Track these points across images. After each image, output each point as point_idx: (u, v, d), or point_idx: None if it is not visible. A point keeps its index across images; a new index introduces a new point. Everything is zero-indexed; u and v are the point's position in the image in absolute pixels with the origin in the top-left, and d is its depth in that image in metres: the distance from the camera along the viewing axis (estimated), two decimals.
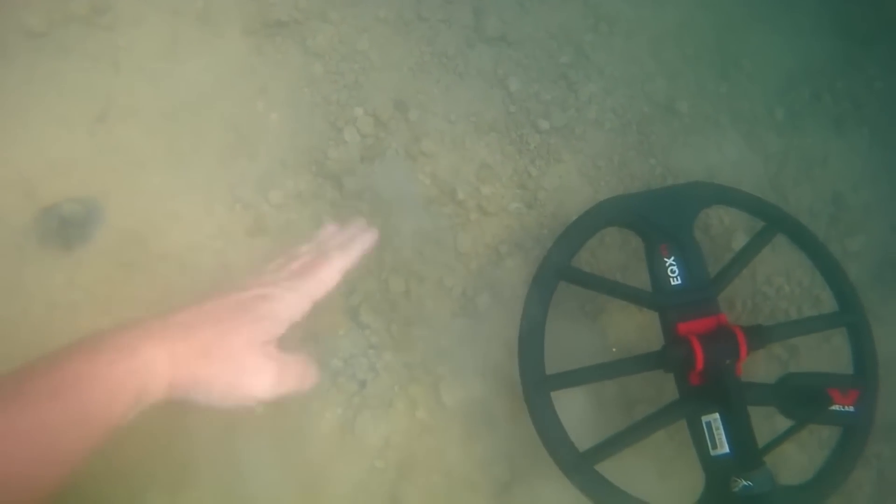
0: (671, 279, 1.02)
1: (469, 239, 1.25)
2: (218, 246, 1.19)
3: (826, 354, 1.36)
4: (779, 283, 1.38)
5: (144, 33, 1.29)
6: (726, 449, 0.94)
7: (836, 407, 0.97)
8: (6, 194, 1.15)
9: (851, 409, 0.98)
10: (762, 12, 1.59)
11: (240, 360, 0.61)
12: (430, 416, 1.16)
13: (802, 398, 0.97)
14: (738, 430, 0.93)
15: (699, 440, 0.96)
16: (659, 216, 1.05)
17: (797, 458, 1.22)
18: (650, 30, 1.50)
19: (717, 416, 0.95)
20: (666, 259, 1.02)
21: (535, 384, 0.96)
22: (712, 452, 0.94)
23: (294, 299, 0.66)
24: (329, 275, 0.69)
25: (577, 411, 1.07)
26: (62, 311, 1.12)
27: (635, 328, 1.26)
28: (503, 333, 1.20)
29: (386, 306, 1.20)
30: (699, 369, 0.93)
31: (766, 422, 1.04)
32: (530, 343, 0.98)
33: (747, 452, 0.92)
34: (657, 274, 1.02)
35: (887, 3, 1.60)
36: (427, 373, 1.18)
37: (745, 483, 0.89)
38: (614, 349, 1.08)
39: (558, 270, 1.02)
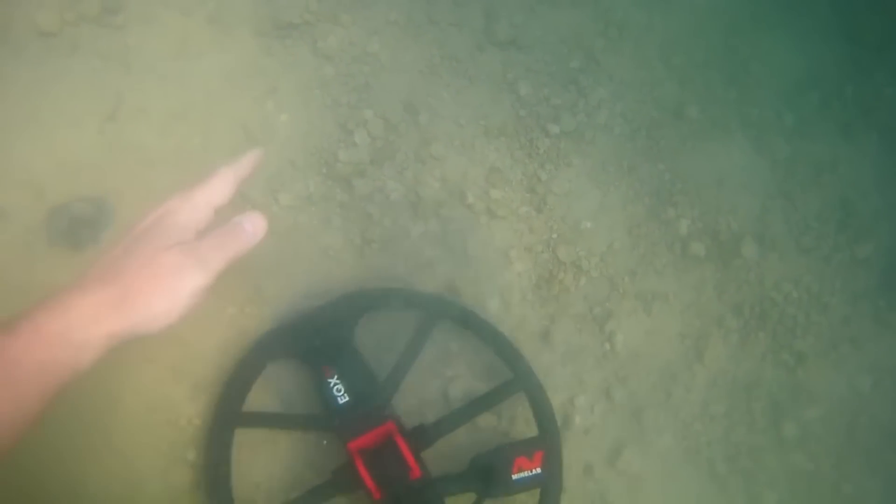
0: (338, 398, 1.01)
1: (478, 243, 1.25)
2: None
3: None
4: (787, 289, 1.38)
5: (155, 33, 1.29)
6: None
7: (524, 472, 0.98)
8: (15, 193, 1.15)
9: (539, 470, 0.99)
10: (771, 17, 1.59)
11: (162, 275, 0.62)
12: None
13: (492, 475, 0.98)
14: None
15: None
16: (313, 340, 1.05)
17: None
18: (660, 35, 1.50)
19: None
20: (330, 380, 1.02)
21: None
22: None
23: (188, 207, 0.69)
24: (218, 182, 0.72)
25: None
26: None
27: None
28: (511, 337, 1.19)
29: None
30: (371, 486, 0.93)
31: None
32: (218, 497, 0.98)
33: None
34: (325, 396, 1.02)
35: None
36: (435, 375, 1.17)
37: None
38: None
39: (232, 419, 1.03)
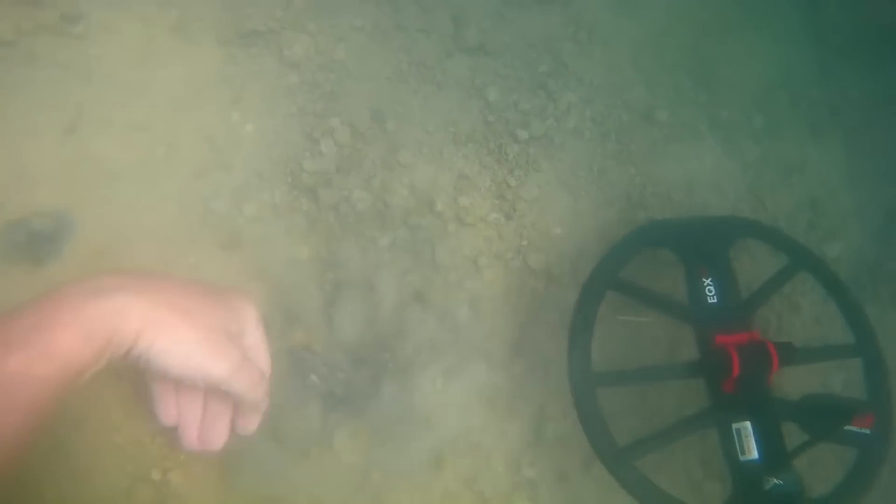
0: (708, 297, 1.12)
1: (447, 251, 1.24)
2: (191, 260, 1.17)
3: None
4: None
5: (116, 43, 1.26)
6: (755, 455, 1.00)
7: (854, 428, 1.03)
8: None
9: (867, 431, 1.04)
10: (740, 21, 1.61)
11: (209, 334, 0.61)
12: None
13: (822, 416, 1.03)
14: (770, 434, 1.01)
15: (728, 446, 1.03)
16: (701, 241, 1.18)
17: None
18: (629, 38, 1.50)
19: (747, 424, 1.02)
20: (704, 280, 1.13)
21: (582, 382, 1.04)
22: (741, 458, 1.01)
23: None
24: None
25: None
26: None
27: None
28: (483, 346, 1.19)
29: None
30: (734, 377, 1.02)
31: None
32: (580, 343, 1.06)
33: (778, 454, 1.00)
34: (696, 292, 1.13)
35: (861, 14, 1.62)
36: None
37: (776, 482, 0.96)
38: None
39: (609, 280, 1.11)
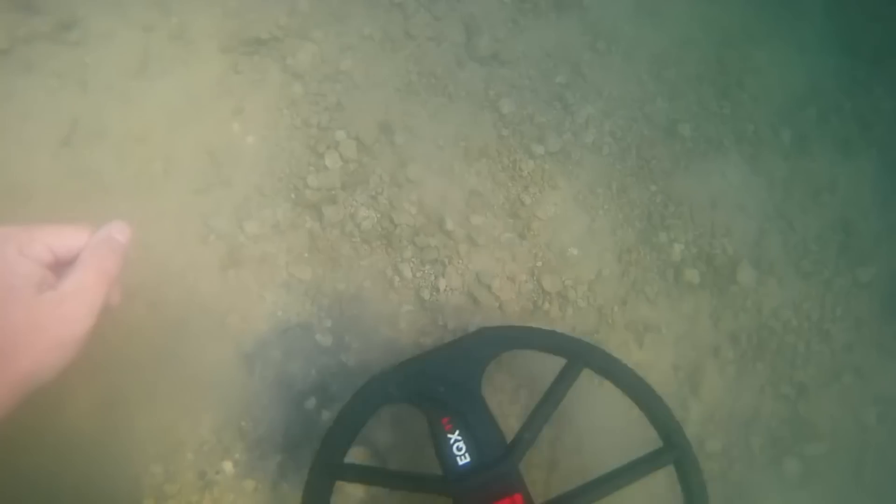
0: (458, 458, 0.87)
1: (457, 273, 1.17)
2: (189, 280, 1.11)
3: None
4: (786, 316, 1.31)
5: (114, 50, 1.21)
6: None
7: None
8: None
9: None
10: (766, 30, 1.53)
11: (48, 328, 0.55)
12: None
13: None
14: None
15: None
16: (434, 386, 0.90)
17: None
18: (650, 48, 1.43)
19: None
20: (450, 435, 0.88)
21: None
22: None
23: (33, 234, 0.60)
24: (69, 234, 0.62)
25: None
26: None
27: None
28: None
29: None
30: None
31: None
32: None
33: None
34: (444, 453, 0.88)
35: (893, 20, 1.54)
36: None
37: None
38: None
39: (331, 471, 0.88)
